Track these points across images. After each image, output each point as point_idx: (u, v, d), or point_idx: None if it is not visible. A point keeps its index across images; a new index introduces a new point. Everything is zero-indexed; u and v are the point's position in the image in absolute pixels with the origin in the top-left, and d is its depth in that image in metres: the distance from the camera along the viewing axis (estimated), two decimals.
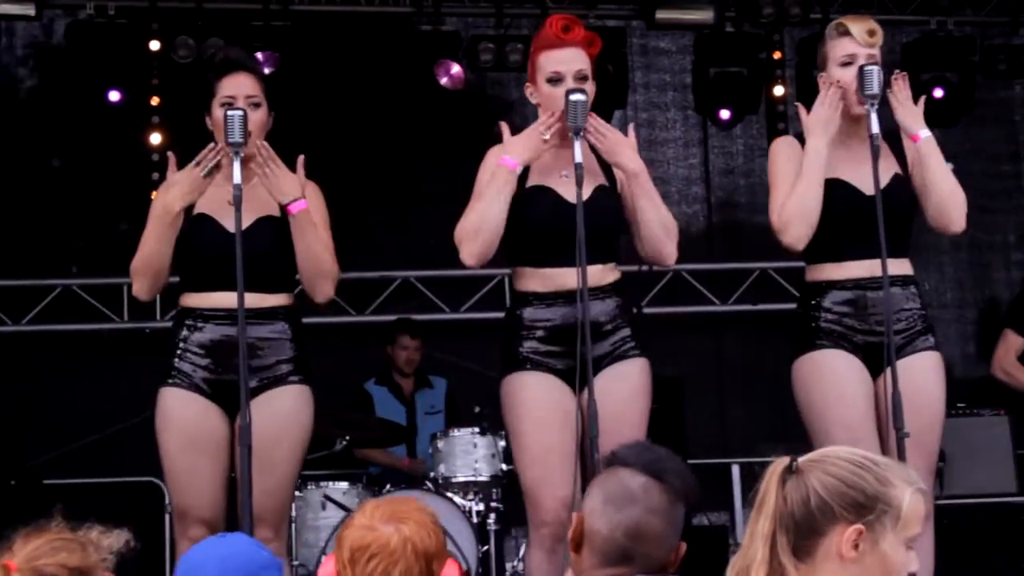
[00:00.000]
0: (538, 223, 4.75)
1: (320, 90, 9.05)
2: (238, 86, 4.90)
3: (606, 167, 4.91)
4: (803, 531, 2.52)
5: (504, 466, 6.97)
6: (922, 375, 4.87)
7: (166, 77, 8.57)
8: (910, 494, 2.56)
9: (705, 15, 8.97)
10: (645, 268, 9.41)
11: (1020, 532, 7.34)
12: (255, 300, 4.79)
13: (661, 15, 8.94)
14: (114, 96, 8.44)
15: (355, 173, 8.95)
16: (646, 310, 9.40)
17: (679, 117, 9.78)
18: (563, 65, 4.79)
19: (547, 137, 4.70)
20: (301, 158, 4.91)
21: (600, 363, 4.69)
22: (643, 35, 9.58)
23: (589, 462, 4.56)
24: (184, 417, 4.82)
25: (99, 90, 8.44)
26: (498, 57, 8.79)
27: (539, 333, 4.78)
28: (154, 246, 4.82)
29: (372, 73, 9.10)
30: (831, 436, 4.75)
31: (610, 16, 9.14)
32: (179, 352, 4.87)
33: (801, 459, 2.55)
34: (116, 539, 2.77)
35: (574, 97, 4.65)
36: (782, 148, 5.04)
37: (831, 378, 4.86)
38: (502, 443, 6.86)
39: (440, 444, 7.12)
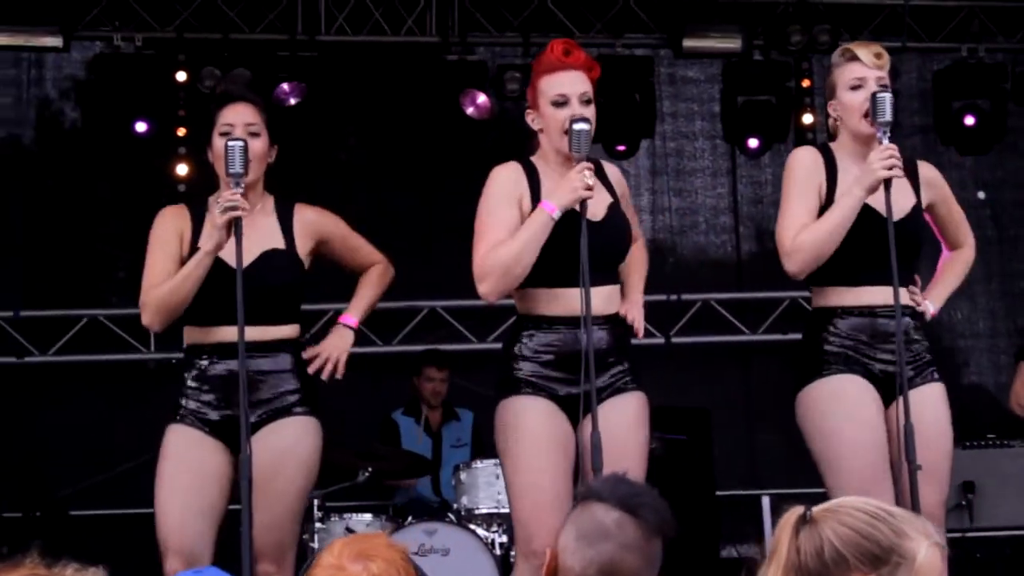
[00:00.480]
0: (555, 243, 4.64)
1: (346, 120, 9.06)
2: (237, 115, 4.88)
3: (606, 184, 4.87)
4: None
5: None
6: (933, 406, 4.81)
7: (192, 108, 8.58)
8: (926, 547, 2.50)
9: (733, 43, 8.94)
10: (674, 297, 9.47)
11: None
12: (259, 333, 4.77)
13: (688, 43, 8.92)
14: (141, 127, 8.46)
15: (381, 202, 8.95)
16: (674, 340, 9.37)
17: (707, 146, 9.73)
18: (567, 88, 4.74)
19: (589, 183, 4.59)
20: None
21: (600, 394, 4.61)
22: (671, 64, 9.55)
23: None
24: (181, 452, 4.78)
25: (126, 121, 8.46)
26: (525, 86, 8.73)
27: (544, 358, 4.71)
28: (189, 292, 4.76)
29: (398, 103, 9.10)
30: (844, 462, 4.69)
31: (638, 45, 9.13)
32: (186, 389, 4.84)
33: (815, 509, 2.50)
34: None
35: (578, 127, 4.61)
36: (803, 161, 4.93)
37: (848, 403, 4.77)
38: None
39: (463, 476, 7.07)
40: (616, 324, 4.78)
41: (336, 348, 4.98)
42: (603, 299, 4.68)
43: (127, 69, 8.44)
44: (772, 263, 9.56)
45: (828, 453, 4.76)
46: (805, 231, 4.75)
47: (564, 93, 4.73)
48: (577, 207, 4.61)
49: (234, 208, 4.62)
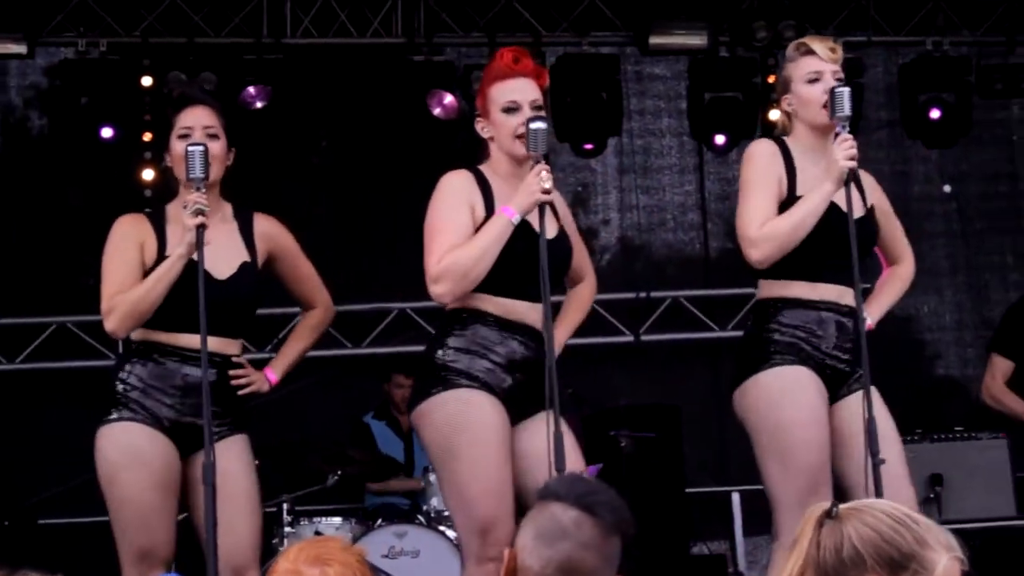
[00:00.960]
0: (508, 254, 4.63)
1: (313, 123, 9.05)
2: (195, 118, 4.89)
3: (553, 208, 4.86)
4: None
5: None
6: (880, 405, 4.80)
7: (159, 113, 8.54)
8: (947, 560, 2.49)
9: (699, 40, 8.96)
10: (643, 295, 9.49)
11: (1020, 556, 7.26)
12: (222, 345, 4.80)
13: (655, 41, 8.93)
14: (107, 132, 8.43)
15: (349, 205, 8.95)
16: (644, 338, 9.39)
17: (675, 143, 9.75)
18: (518, 94, 4.75)
19: (547, 186, 4.59)
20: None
21: (533, 405, 4.59)
22: (637, 61, 9.56)
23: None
24: (150, 452, 4.75)
25: (92, 126, 8.43)
26: None
27: (486, 354, 4.66)
28: (159, 296, 4.74)
29: (365, 105, 9.10)
30: (796, 457, 4.69)
31: (603, 43, 9.13)
32: (136, 386, 4.80)
33: (843, 506, 2.49)
34: None
35: (534, 125, 4.61)
36: (762, 152, 4.94)
37: (802, 395, 4.76)
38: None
39: (432, 477, 7.07)
40: (540, 341, 4.69)
41: (258, 380, 4.99)
42: (537, 312, 4.64)
43: (92, 74, 8.40)
44: (741, 260, 9.66)
45: (778, 446, 4.74)
46: (773, 221, 4.77)
47: (515, 100, 4.74)
48: (533, 223, 4.61)
49: (202, 212, 4.62)
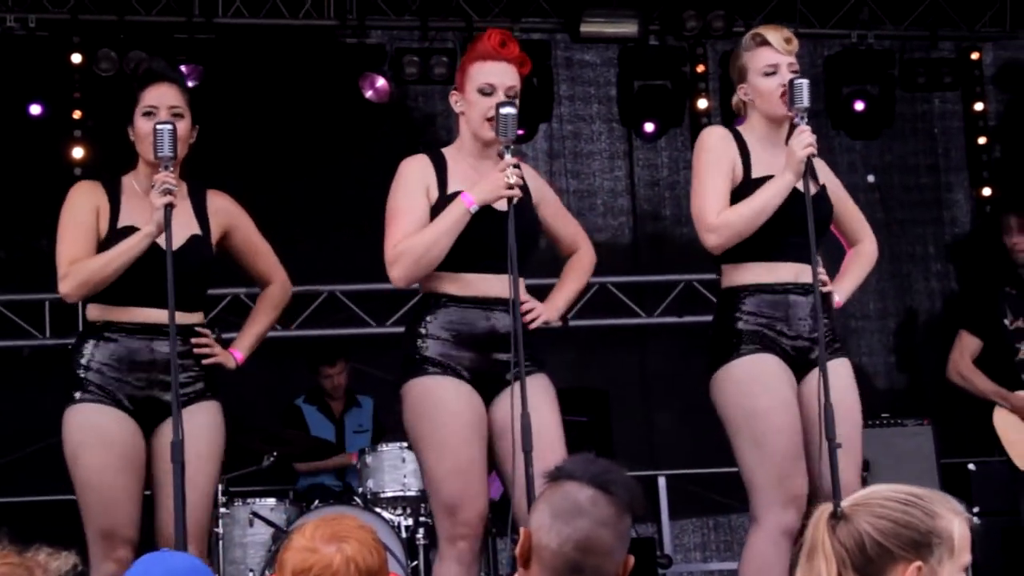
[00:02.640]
0: (468, 231, 4.69)
1: (244, 103, 8.99)
2: (161, 96, 4.87)
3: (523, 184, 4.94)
4: (862, 573, 2.52)
5: None
6: (843, 381, 4.87)
7: (88, 90, 8.49)
8: (959, 523, 2.56)
9: (629, 29, 9.04)
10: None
11: None
12: (181, 317, 4.74)
13: (585, 28, 9.00)
14: (35, 110, 8.36)
15: (279, 186, 8.90)
16: (572, 322, 9.43)
17: (604, 129, 9.79)
18: (496, 78, 4.81)
19: (513, 181, 4.64)
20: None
21: (506, 377, 4.67)
22: (568, 48, 9.61)
23: (515, 474, 4.54)
24: (113, 432, 4.74)
25: (20, 103, 8.34)
26: (423, 70, 8.81)
27: (448, 336, 4.74)
28: (120, 269, 4.74)
29: (296, 86, 9.07)
30: (769, 443, 4.76)
31: (535, 29, 9.19)
32: (98, 366, 4.79)
33: (845, 504, 2.54)
34: (64, 562, 2.74)
35: (504, 111, 4.67)
36: (715, 139, 5.00)
37: (769, 383, 4.82)
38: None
39: (368, 459, 7.10)
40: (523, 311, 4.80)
41: (223, 354, 5.01)
42: (507, 285, 4.69)
43: (21, 51, 8.31)
44: (668, 246, 9.82)
45: (752, 433, 4.80)
46: (731, 209, 4.83)
47: (492, 83, 4.80)
48: (500, 205, 4.67)
49: (170, 191, 4.63)
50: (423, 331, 4.79)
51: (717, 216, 4.83)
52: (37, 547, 2.72)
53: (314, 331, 9.05)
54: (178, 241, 4.79)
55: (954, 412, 8.11)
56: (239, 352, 5.10)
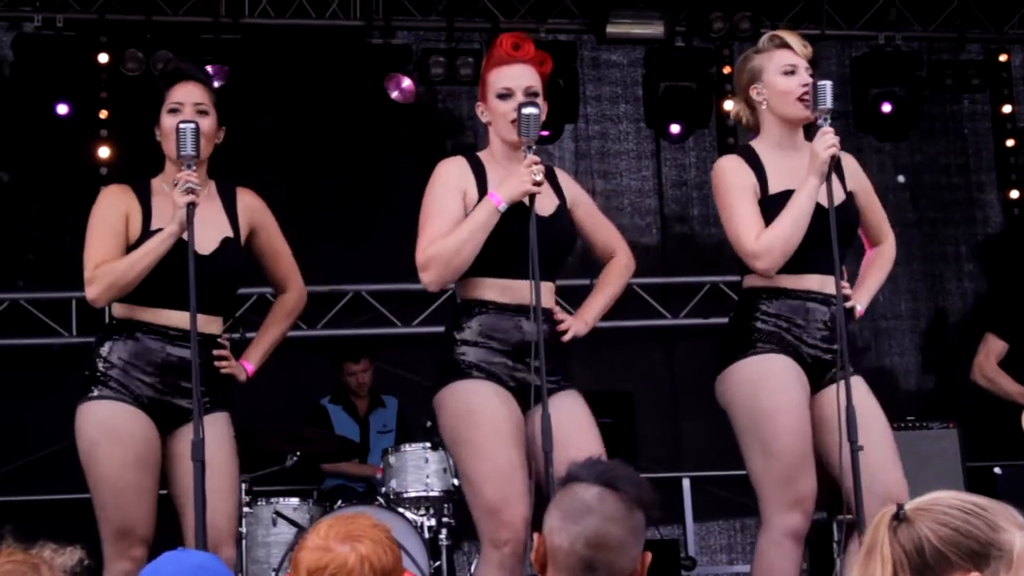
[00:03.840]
0: (504, 235, 4.69)
1: (270, 103, 9.02)
2: (187, 94, 4.88)
3: (555, 186, 4.94)
4: None
5: (455, 481, 6.94)
6: (863, 391, 4.86)
7: (115, 90, 8.52)
8: (1020, 537, 2.54)
9: (655, 29, 9.01)
10: (596, 281, 9.51)
11: None
12: (204, 322, 4.76)
13: (611, 29, 8.97)
14: (62, 109, 8.39)
15: (305, 187, 8.93)
16: (597, 324, 9.40)
17: (631, 129, 9.77)
18: (513, 81, 4.80)
19: (538, 179, 4.64)
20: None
21: (548, 389, 4.62)
22: (594, 48, 9.60)
23: (545, 479, 4.53)
24: (129, 430, 4.74)
25: (47, 103, 8.37)
26: (449, 71, 8.80)
27: (487, 343, 4.74)
28: (145, 271, 4.73)
29: (322, 86, 9.08)
30: (777, 444, 4.73)
31: (561, 30, 9.17)
32: (116, 363, 4.79)
33: (908, 507, 2.52)
34: (69, 557, 2.74)
35: (526, 111, 4.67)
36: (729, 168, 4.95)
37: (780, 385, 4.80)
38: (452, 459, 6.83)
39: (391, 459, 7.09)
40: (552, 320, 4.83)
41: (235, 367, 5.00)
42: (546, 292, 4.73)
43: (48, 51, 8.34)
44: (695, 247, 9.78)
45: (760, 433, 4.78)
46: (769, 230, 4.79)
47: (509, 86, 4.80)
48: (526, 201, 4.66)
49: (193, 190, 4.62)
50: (461, 336, 4.78)
51: (757, 241, 4.79)
52: (42, 543, 2.72)
53: (339, 331, 9.06)
54: (211, 244, 4.82)
55: (980, 415, 8.07)
56: (250, 364, 5.09)
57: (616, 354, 9.32)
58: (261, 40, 8.68)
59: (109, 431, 4.74)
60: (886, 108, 9.19)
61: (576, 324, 4.93)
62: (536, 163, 4.66)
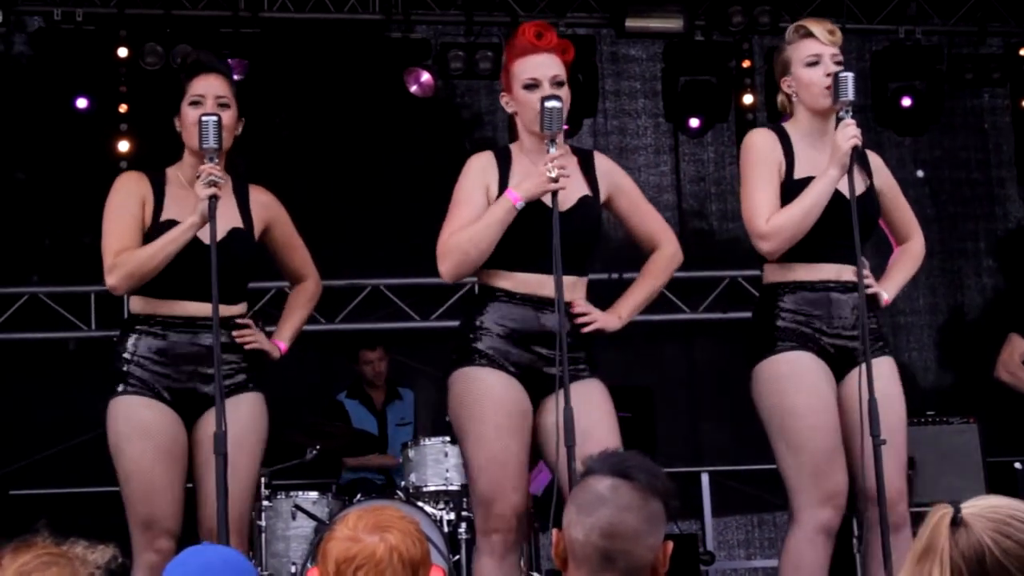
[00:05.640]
0: (522, 230, 4.67)
1: (289, 97, 9.03)
2: (208, 86, 4.87)
3: (590, 175, 4.90)
4: None
5: None
6: (887, 379, 4.82)
7: (134, 84, 8.52)
8: None
9: (675, 23, 8.98)
10: (615, 276, 9.50)
11: None
12: (221, 311, 4.73)
13: (631, 23, 8.95)
14: (82, 103, 8.40)
15: (324, 181, 8.94)
16: None
17: (650, 124, 9.76)
18: (538, 71, 4.77)
19: (554, 175, 4.60)
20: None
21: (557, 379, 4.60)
22: (613, 43, 9.58)
23: (567, 472, 4.51)
24: (155, 424, 4.75)
25: (66, 97, 8.39)
26: (468, 65, 8.79)
27: (500, 331, 4.72)
28: (165, 260, 4.74)
29: (342, 80, 9.08)
30: (809, 442, 4.71)
31: (580, 24, 9.16)
32: (135, 358, 4.80)
33: (965, 510, 2.49)
34: (101, 555, 2.74)
35: (549, 104, 4.63)
36: (760, 142, 4.93)
37: (805, 383, 4.79)
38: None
39: (411, 453, 7.09)
40: (571, 312, 4.79)
41: (265, 342, 5.00)
42: (566, 286, 4.67)
43: (67, 45, 8.35)
44: (714, 242, 9.76)
45: (788, 432, 4.77)
46: (781, 213, 4.77)
47: (535, 76, 4.76)
48: (546, 199, 4.63)
49: (215, 183, 4.63)
50: (476, 324, 4.77)
51: (767, 223, 4.77)
52: (73, 540, 2.71)
53: (358, 325, 9.06)
54: (219, 235, 4.76)
55: (1001, 410, 8.04)
56: (282, 343, 5.09)
57: (635, 349, 9.29)
58: (280, 34, 8.69)
59: (136, 426, 4.76)
60: (906, 102, 9.16)
61: (606, 318, 4.90)
62: (554, 160, 4.61)
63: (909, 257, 5.18)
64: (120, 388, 4.80)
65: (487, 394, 4.70)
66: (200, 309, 4.74)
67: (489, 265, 4.76)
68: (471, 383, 4.73)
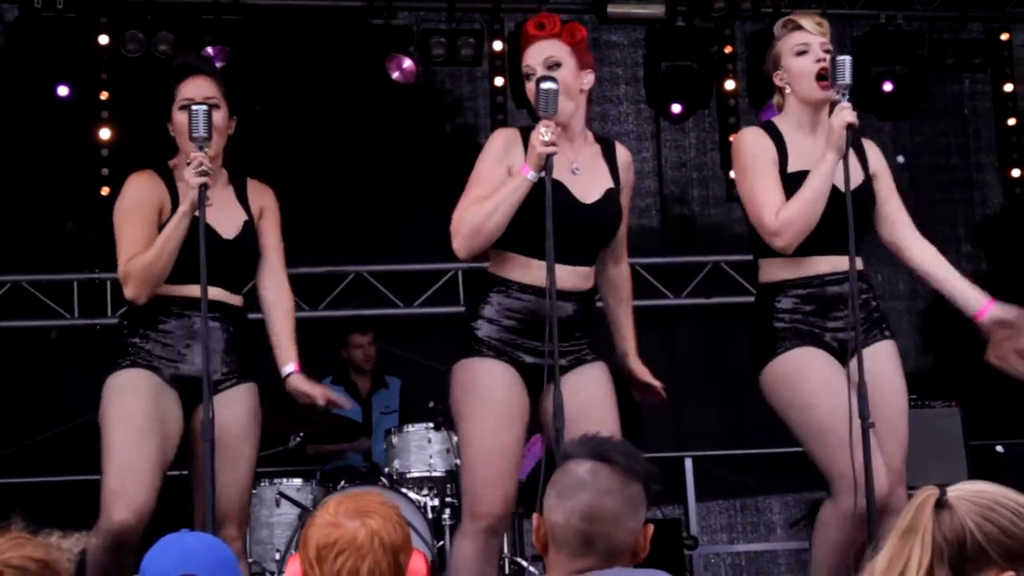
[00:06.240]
0: (534, 214, 4.57)
1: (271, 84, 8.99)
2: (197, 89, 4.90)
3: (612, 166, 4.89)
4: (954, 569, 2.49)
5: (458, 461, 6.95)
6: (887, 363, 4.87)
7: (115, 72, 8.50)
8: None
9: (656, 9, 8.99)
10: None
11: None
12: (228, 298, 4.88)
13: (612, 9, 8.94)
14: (63, 91, 8.37)
15: (306, 168, 8.92)
16: (599, 304, 9.41)
17: (632, 111, 9.77)
18: (533, 58, 4.79)
19: (547, 139, 4.54)
20: None
21: (564, 365, 4.65)
22: (595, 29, 9.55)
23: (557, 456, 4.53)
24: (146, 390, 4.77)
25: (47, 85, 8.36)
26: (450, 51, 8.79)
27: (508, 322, 4.72)
28: (171, 257, 4.74)
29: (324, 67, 9.06)
30: (829, 431, 4.66)
31: (562, 10, 9.10)
32: (149, 339, 4.82)
33: (950, 493, 2.50)
34: (75, 542, 2.75)
35: (544, 85, 4.61)
36: (750, 140, 4.94)
37: (816, 374, 4.79)
38: (456, 438, 6.84)
39: (394, 439, 7.11)
40: (585, 300, 4.81)
41: (316, 389, 5.06)
42: (579, 276, 4.74)
43: (48, 32, 8.31)
44: (695, 227, 9.78)
45: (808, 424, 4.77)
46: (788, 206, 4.75)
47: (530, 64, 4.79)
48: (572, 189, 4.67)
49: (206, 172, 4.63)
50: (481, 312, 4.77)
51: (776, 218, 4.76)
52: (48, 531, 2.72)
53: (341, 312, 9.06)
54: (234, 229, 4.90)
55: (982, 394, 8.08)
56: (294, 365, 5.09)
57: None
58: (262, 21, 8.66)
59: (126, 388, 4.78)
60: (887, 87, 9.19)
61: (640, 368, 5.09)
62: (547, 125, 4.55)
63: (942, 267, 5.11)
64: (122, 363, 4.83)
65: (487, 386, 4.71)
66: (220, 296, 4.82)
67: (508, 247, 4.73)
68: (473, 374, 4.74)
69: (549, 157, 4.55)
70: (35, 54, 8.32)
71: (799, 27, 4.93)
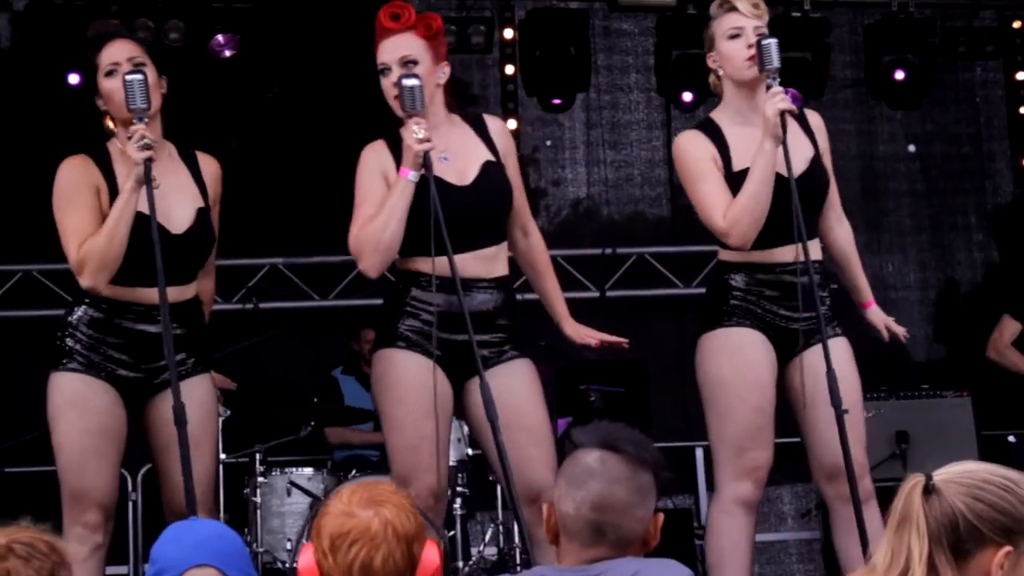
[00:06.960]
0: (420, 211, 4.57)
1: (282, 72, 8.99)
2: (119, 52, 4.80)
3: (486, 138, 4.83)
4: (952, 551, 2.49)
5: (469, 451, 6.96)
6: (842, 355, 4.87)
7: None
8: None
9: None
10: (608, 251, 9.52)
11: None
12: (178, 294, 4.73)
13: None
14: (74, 79, 8.35)
15: (319, 155, 8.91)
16: (609, 294, 9.41)
17: (642, 99, 9.75)
18: (387, 55, 4.72)
19: (420, 136, 4.53)
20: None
21: (486, 360, 4.61)
22: (606, 17, 9.56)
23: (485, 447, 4.65)
24: (91, 400, 4.70)
25: (58, 73, 8.35)
26: (460, 40, 8.77)
27: (423, 315, 4.69)
28: (124, 238, 4.59)
29: (335, 55, 9.05)
30: (738, 415, 4.78)
31: None
32: (85, 338, 4.72)
33: (937, 477, 2.51)
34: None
35: (407, 83, 4.57)
36: (689, 144, 4.92)
37: (747, 357, 4.83)
38: (467, 428, 6.84)
39: None
40: (502, 286, 4.77)
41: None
42: (486, 261, 4.71)
43: (59, 20, 8.30)
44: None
45: (718, 403, 4.86)
46: (734, 204, 4.75)
47: (384, 61, 4.73)
48: (445, 176, 4.63)
49: (149, 146, 4.52)
50: (398, 305, 4.74)
51: (724, 218, 4.76)
52: (21, 523, 2.75)
53: (352, 301, 9.05)
54: (186, 221, 4.75)
55: (994, 384, 8.07)
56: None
57: (627, 324, 9.24)
58: (272, 8, 8.65)
59: (71, 399, 4.71)
60: (899, 75, 9.15)
61: (575, 329, 5.00)
62: (416, 122, 4.53)
63: (855, 254, 5.17)
64: (63, 363, 4.75)
65: (404, 378, 4.68)
66: (151, 295, 4.62)
67: (406, 252, 4.70)
68: (389, 366, 4.72)
69: (427, 153, 4.51)
70: (46, 42, 8.31)
71: (734, 8, 4.91)
